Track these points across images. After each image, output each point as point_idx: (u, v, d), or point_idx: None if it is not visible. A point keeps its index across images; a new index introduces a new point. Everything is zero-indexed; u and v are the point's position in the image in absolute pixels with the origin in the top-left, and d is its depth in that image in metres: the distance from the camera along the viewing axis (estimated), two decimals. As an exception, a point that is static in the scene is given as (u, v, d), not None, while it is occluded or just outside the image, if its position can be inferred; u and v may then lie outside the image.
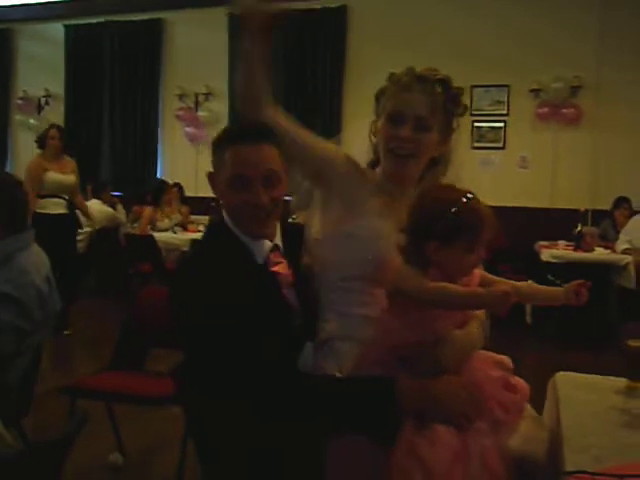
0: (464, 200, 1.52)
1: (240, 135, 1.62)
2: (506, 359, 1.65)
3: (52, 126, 5.96)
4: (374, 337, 1.58)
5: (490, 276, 1.68)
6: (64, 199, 5.80)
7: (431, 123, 1.72)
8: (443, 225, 1.50)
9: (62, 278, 5.66)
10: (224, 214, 1.67)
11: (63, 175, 5.81)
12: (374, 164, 1.83)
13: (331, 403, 1.49)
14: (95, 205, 7.95)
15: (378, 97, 1.82)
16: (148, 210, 7.51)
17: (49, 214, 5.65)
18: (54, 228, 5.56)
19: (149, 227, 7.32)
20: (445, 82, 1.78)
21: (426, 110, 1.71)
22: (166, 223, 7.46)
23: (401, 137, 1.69)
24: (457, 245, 1.50)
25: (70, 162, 5.99)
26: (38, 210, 5.59)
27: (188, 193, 8.20)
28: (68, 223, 5.84)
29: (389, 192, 1.76)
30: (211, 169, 1.68)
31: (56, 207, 5.75)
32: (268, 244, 1.65)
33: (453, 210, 1.50)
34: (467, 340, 1.57)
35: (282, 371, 1.52)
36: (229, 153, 1.60)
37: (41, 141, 5.87)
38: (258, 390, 1.48)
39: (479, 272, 1.65)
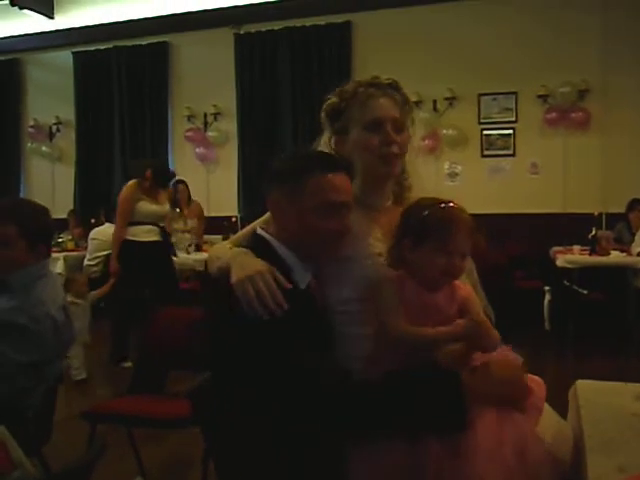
0: (441, 206, 1.61)
1: (323, 163, 1.66)
2: (517, 358, 1.66)
3: (149, 167, 5.79)
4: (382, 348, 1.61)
5: (476, 306, 1.66)
6: (158, 226, 5.73)
7: (404, 122, 1.77)
8: (415, 224, 1.60)
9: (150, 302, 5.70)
10: (267, 235, 1.68)
11: (157, 205, 5.74)
12: None
13: (401, 401, 1.49)
14: (109, 229, 8.00)
15: (331, 116, 1.83)
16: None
17: (139, 241, 5.62)
18: (144, 255, 5.60)
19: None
20: (393, 84, 1.81)
21: (397, 111, 1.76)
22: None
23: (388, 141, 1.72)
24: (427, 246, 1.58)
25: (165, 192, 5.94)
26: (128, 237, 5.60)
27: (200, 213, 8.23)
28: (160, 250, 5.78)
29: (368, 203, 1.80)
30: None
31: (147, 235, 5.67)
32: (310, 270, 1.67)
33: (426, 212, 1.60)
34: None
35: (342, 382, 1.53)
36: (315, 181, 1.61)
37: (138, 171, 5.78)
38: (326, 405, 1.49)
39: (467, 289, 1.66)
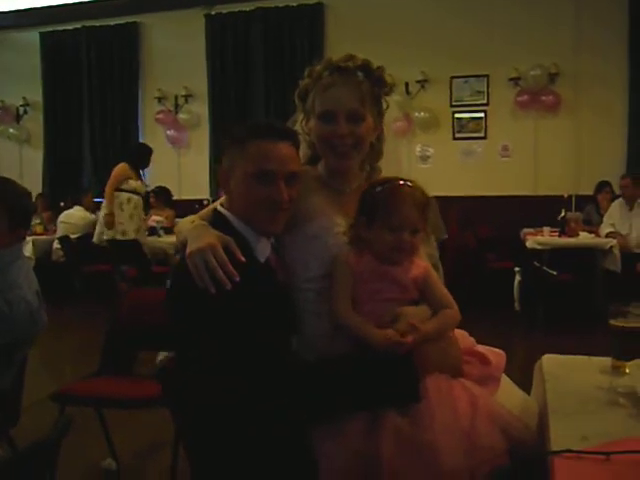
0: (390, 183, 1.62)
1: (266, 131, 1.64)
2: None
3: None
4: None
5: (438, 288, 1.68)
6: None
7: (363, 112, 1.72)
8: (367, 201, 1.62)
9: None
10: (225, 211, 1.68)
11: None
12: (314, 160, 1.83)
13: (355, 381, 1.52)
14: (77, 212, 7.92)
15: (301, 96, 1.81)
16: (123, 166, 6.90)
17: None
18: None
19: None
20: (365, 67, 1.76)
21: (355, 101, 1.70)
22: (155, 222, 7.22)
23: (338, 135, 1.69)
24: (378, 222, 1.59)
25: None
26: None
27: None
28: None
29: (334, 187, 1.78)
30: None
31: None
32: (269, 244, 1.67)
33: (375, 190, 1.62)
34: (422, 313, 1.61)
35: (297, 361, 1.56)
36: (255, 148, 1.61)
37: None
38: (284, 387, 1.50)
39: (424, 265, 1.67)
